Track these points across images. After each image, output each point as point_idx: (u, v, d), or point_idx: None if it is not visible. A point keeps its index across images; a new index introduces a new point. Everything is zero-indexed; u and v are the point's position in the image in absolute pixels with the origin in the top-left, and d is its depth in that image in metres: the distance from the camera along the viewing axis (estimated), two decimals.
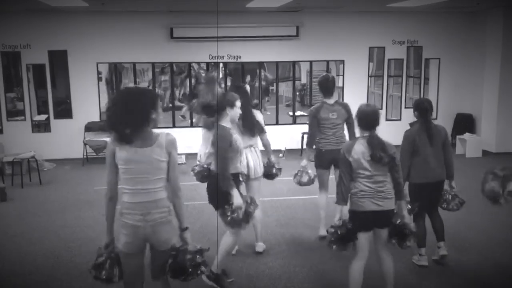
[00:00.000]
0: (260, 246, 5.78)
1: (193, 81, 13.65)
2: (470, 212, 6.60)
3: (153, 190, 3.36)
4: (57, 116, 11.13)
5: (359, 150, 4.15)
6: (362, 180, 4.16)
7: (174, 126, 11.38)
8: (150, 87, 12.62)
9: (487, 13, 11.22)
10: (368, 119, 4.20)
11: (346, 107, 5.99)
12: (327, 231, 4.37)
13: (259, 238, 5.79)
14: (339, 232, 4.19)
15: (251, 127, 5.43)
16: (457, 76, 11.98)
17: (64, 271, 5.39)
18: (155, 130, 3.40)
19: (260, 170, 5.50)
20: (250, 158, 5.41)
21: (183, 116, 13.96)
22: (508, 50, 10.83)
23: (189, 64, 11.99)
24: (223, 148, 4.59)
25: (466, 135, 11.22)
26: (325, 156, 5.91)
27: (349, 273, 4.30)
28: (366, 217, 4.18)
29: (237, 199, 4.59)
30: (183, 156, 10.67)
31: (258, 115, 5.62)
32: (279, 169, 5.76)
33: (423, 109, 5.14)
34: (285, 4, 9.63)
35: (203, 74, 12.63)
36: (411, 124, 5.29)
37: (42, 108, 11.31)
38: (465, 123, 11.84)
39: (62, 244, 6.16)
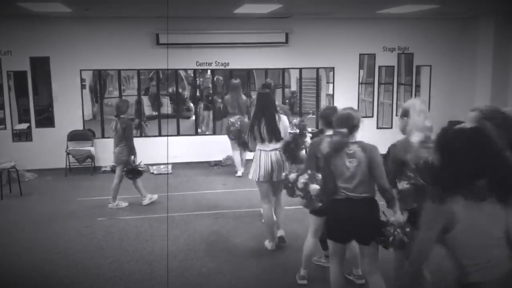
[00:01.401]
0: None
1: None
2: None
3: (507, 257, 2.57)
4: (39, 124, 10.73)
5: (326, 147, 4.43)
6: None
7: (160, 135, 11.07)
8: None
9: (478, 19, 11.15)
10: (327, 118, 4.59)
11: (286, 111, 6.66)
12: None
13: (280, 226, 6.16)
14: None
15: (275, 132, 5.75)
16: (448, 83, 11.84)
17: (49, 284, 5.20)
18: None
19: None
20: (274, 161, 5.74)
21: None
22: (499, 57, 10.76)
23: (176, 71, 11.70)
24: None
25: None
26: None
27: None
28: None
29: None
30: (169, 166, 10.41)
31: (284, 121, 5.83)
32: None
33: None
34: (274, 10, 9.43)
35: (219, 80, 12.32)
36: (316, 135, 5.20)
37: (23, 116, 10.90)
38: None
39: (45, 257, 5.92)
